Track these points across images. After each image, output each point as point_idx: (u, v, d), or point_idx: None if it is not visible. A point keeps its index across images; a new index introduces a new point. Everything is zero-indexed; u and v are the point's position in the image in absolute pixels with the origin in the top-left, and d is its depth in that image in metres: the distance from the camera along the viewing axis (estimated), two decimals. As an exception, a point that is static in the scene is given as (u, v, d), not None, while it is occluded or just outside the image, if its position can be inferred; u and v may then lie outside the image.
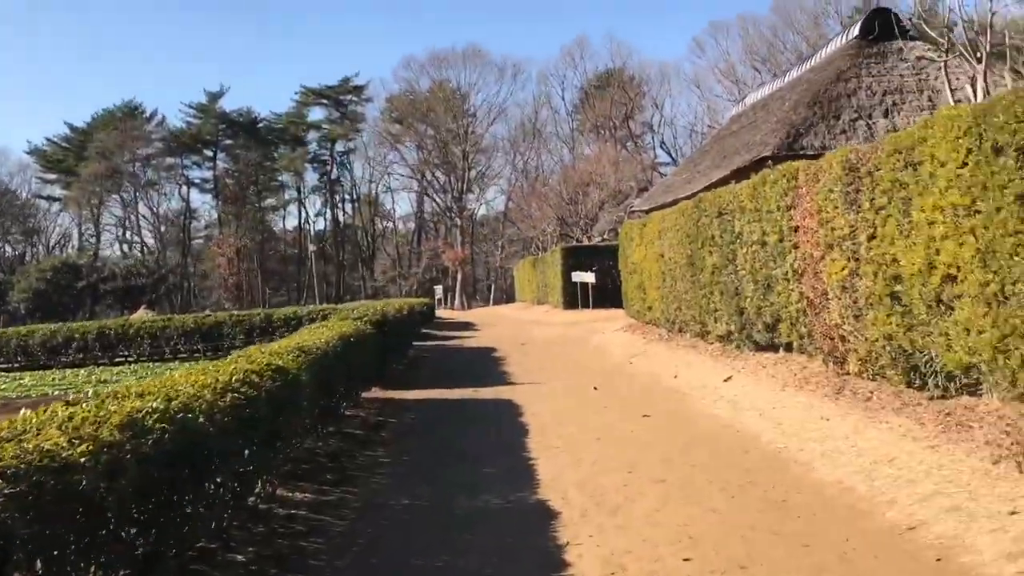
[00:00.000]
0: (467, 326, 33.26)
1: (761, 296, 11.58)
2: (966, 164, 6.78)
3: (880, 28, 20.50)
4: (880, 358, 8.52)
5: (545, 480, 7.43)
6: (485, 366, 17.44)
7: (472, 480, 7.59)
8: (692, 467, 7.48)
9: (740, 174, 17.66)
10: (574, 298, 31.94)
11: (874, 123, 18.63)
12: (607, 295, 28.85)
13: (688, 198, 16.49)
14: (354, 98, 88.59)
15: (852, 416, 8.15)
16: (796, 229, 10.32)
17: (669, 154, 66.23)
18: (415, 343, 22.47)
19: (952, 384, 7.65)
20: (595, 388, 12.81)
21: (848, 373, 9.59)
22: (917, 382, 8.10)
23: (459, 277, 71.15)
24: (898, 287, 7.97)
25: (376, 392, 13.23)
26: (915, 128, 7.75)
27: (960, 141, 6.83)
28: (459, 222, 75.92)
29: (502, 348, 21.17)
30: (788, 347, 11.46)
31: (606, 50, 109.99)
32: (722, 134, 27.47)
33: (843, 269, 9.06)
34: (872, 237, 8.40)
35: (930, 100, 19.00)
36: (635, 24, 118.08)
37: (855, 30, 21.13)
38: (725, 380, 11.38)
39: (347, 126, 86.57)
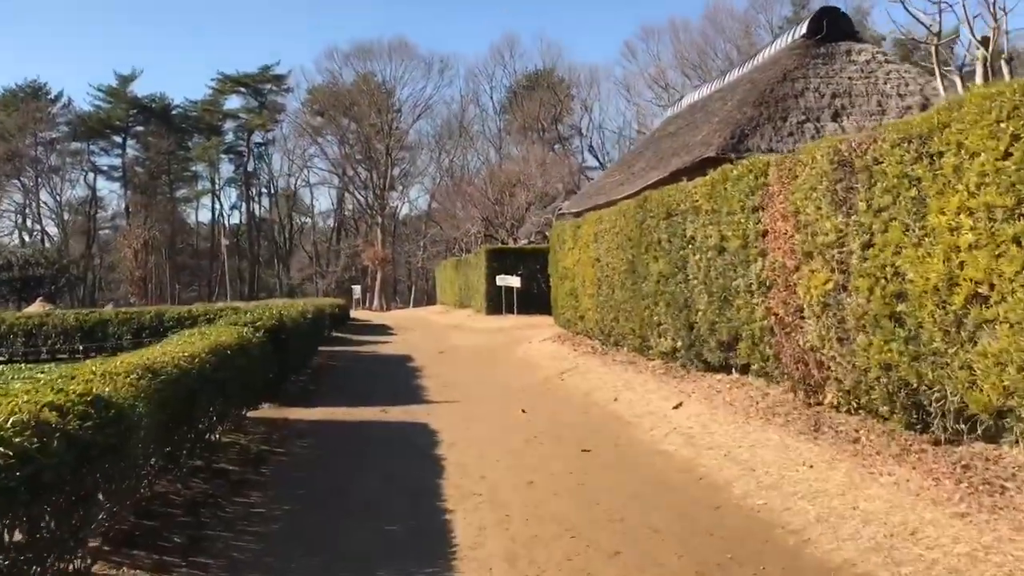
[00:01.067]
0: (384, 329, 31.24)
1: (716, 310, 10.07)
2: (1010, 155, 5.32)
3: (828, 28, 19.45)
4: (872, 391, 7.04)
5: (464, 547, 5.71)
6: (399, 378, 15.59)
7: (368, 545, 5.81)
8: (654, 532, 5.83)
9: (680, 176, 16.25)
10: (498, 303, 30.29)
11: (822, 126, 17.46)
12: (533, 301, 27.43)
13: (625, 199, 14.95)
14: (274, 87, 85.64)
15: (841, 463, 6.64)
16: (764, 234, 8.81)
17: (597, 158, 65.42)
18: (325, 348, 20.50)
19: (966, 428, 6.22)
20: (523, 411, 11.12)
21: (821, 404, 8.15)
22: (918, 423, 6.67)
23: (379, 277, 68.80)
24: (902, 306, 6.50)
25: (268, 410, 11.30)
26: (933, 111, 6.27)
27: (1002, 125, 5.37)
28: (380, 220, 73.53)
29: (419, 357, 19.33)
30: (744, 369, 9.99)
31: (536, 49, 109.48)
32: (657, 135, 26.17)
33: (826, 282, 7.57)
34: (869, 245, 6.91)
35: (879, 104, 18.00)
36: (566, 24, 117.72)
37: (802, 29, 20.01)
38: (675, 407, 9.81)
39: (266, 116, 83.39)
